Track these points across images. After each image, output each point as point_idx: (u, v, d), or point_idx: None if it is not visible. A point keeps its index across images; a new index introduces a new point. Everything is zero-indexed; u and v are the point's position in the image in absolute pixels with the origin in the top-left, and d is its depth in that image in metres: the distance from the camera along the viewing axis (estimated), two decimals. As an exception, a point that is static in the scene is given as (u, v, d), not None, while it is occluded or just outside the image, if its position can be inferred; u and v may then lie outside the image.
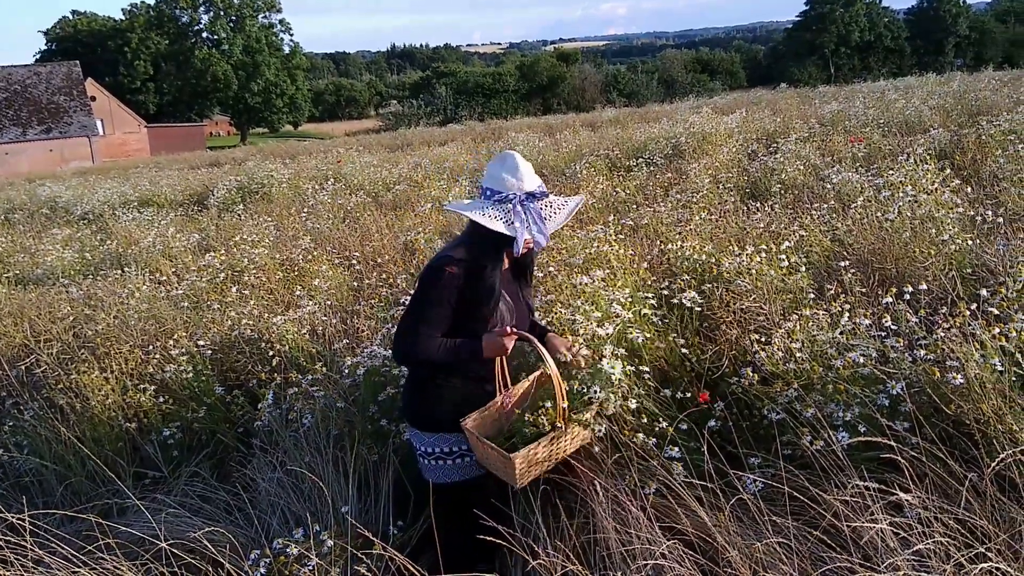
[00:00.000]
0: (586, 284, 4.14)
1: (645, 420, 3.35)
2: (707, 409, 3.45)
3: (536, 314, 3.68)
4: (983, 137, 8.53)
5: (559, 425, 2.93)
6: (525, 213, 2.99)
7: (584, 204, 3.49)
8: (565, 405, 2.92)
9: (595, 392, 3.01)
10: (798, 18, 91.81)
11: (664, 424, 3.27)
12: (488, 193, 3.05)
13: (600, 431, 3.10)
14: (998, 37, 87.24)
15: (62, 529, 3.68)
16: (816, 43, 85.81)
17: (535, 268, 3.47)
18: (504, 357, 3.10)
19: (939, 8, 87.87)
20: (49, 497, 4.48)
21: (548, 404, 3.00)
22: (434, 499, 3.32)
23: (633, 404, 3.22)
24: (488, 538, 2.80)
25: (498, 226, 2.96)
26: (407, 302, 3.20)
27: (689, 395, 3.56)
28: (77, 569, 2.77)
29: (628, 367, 3.50)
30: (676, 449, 3.15)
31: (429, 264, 3.13)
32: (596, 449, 3.22)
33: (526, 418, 3.02)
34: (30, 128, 53.89)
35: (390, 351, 3.76)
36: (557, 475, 3.43)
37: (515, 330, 3.02)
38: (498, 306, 3.11)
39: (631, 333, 3.71)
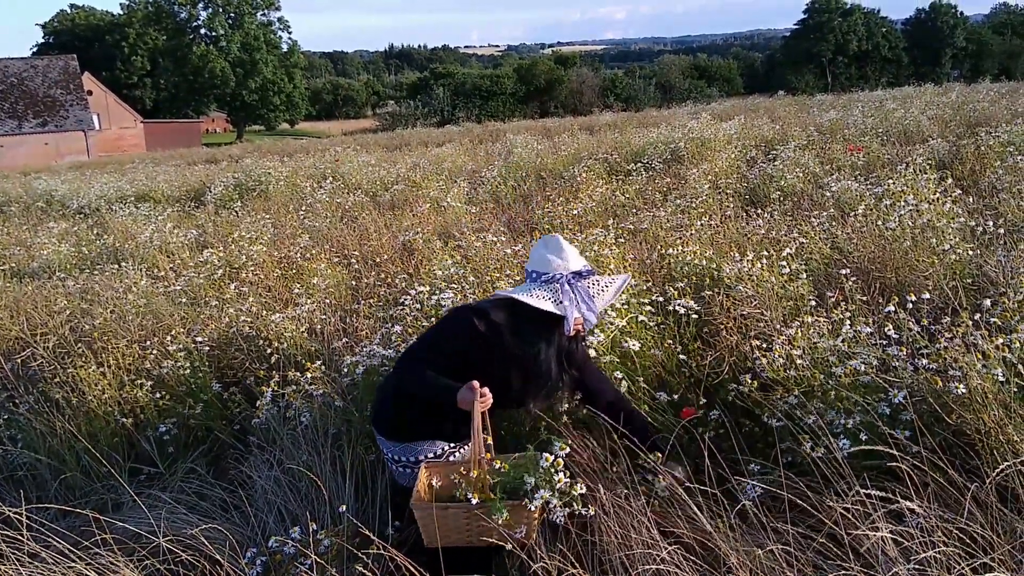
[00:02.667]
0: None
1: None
2: (703, 416, 3.45)
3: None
4: (982, 148, 8.56)
5: (471, 498, 2.80)
6: (574, 292, 3.01)
7: (629, 283, 3.46)
8: (475, 475, 2.83)
9: (529, 486, 2.81)
10: (796, 26, 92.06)
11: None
12: (534, 275, 3.08)
13: (521, 531, 2.83)
14: (995, 49, 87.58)
15: (57, 524, 3.66)
16: (814, 51, 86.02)
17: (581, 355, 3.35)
18: (486, 416, 2.98)
19: (936, 19, 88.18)
20: (43, 492, 4.45)
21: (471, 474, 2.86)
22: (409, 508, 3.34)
23: (582, 511, 2.88)
24: (487, 539, 2.79)
25: (547, 306, 2.98)
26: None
27: (682, 402, 3.56)
28: (73, 564, 2.75)
29: (618, 374, 3.50)
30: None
31: (466, 304, 3.25)
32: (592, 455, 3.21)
33: (456, 480, 2.91)
34: (26, 121, 53.74)
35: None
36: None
37: (485, 393, 2.89)
38: (541, 384, 3.13)
39: (625, 341, 3.70)
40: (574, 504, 2.83)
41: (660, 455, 3.12)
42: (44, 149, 51.19)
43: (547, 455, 2.87)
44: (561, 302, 3.00)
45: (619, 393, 3.50)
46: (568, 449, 3.14)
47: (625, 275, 3.26)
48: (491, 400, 2.92)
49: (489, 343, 3.06)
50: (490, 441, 3.00)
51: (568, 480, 2.82)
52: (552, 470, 2.82)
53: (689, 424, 3.34)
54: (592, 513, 2.87)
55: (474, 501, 2.78)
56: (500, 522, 2.74)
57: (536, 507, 2.76)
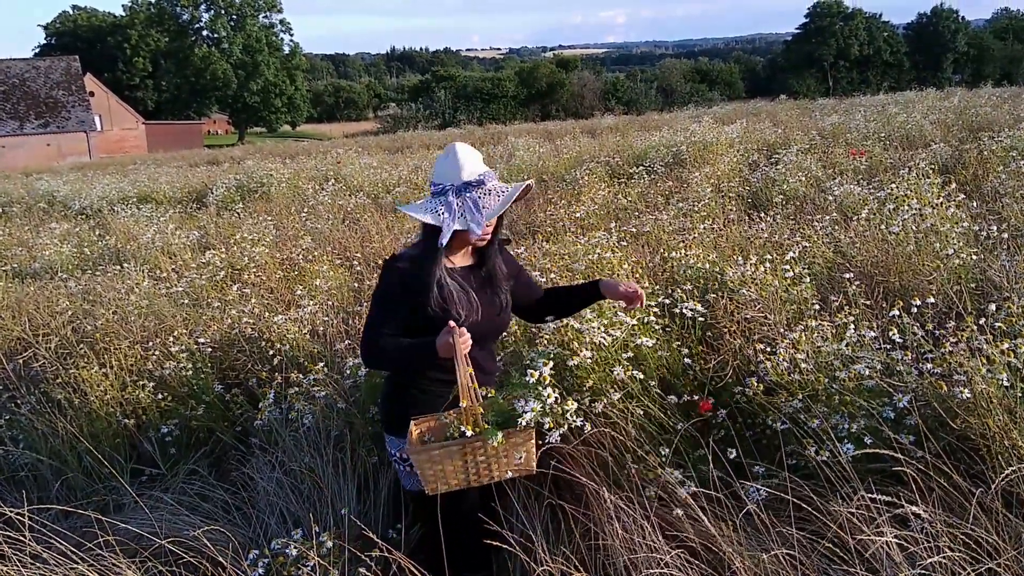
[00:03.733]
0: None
1: (649, 427, 3.34)
2: (710, 418, 3.45)
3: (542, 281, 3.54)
4: (984, 153, 8.56)
5: (466, 431, 2.70)
6: (459, 203, 2.90)
7: (532, 190, 3.31)
8: (465, 406, 2.71)
9: (524, 408, 2.70)
10: (798, 30, 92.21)
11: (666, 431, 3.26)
12: (433, 188, 3.00)
13: (519, 458, 2.76)
14: (996, 54, 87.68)
15: (59, 525, 3.65)
16: (815, 56, 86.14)
17: (512, 262, 3.29)
18: (467, 359, 2.82)
19: (938, 24, 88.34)
20: (45, 492, 4.45)
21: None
22: (414, 508, 3.31)
23: (578, 422, 2.89)
24: (488, 541, 2.78)
25: (426, 218, 2.91)
26: None
27: (695, 399, 3.55)
28: (75, 565, 2.75)
29: (633, 373, 3.50)
30: (673, 454, 3.13)
31: (385, 260, 3.11)
32: (597, 457, 3.21)
33: (446, 420, 2.83)
34: (28, 122, 53.78)
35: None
36: (556, 481, 3.42)
37: (463, 332, 2.76)
38: (443, 304, 2.95)
39: (638, 339, 3.70)
40: (568, 418, 2.78)
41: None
42: (46, 150, 51.22)
43: (532, 371, 2.80)
44: (440, 213, 2.90)
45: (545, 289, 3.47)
46: (551, 364, 2.98)
47: (525, 182, 3.08)
48: (470, 339, 2.78)
49: (421, 280, 2.94)
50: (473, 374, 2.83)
51: (557, 395, 2.75)
52: (539, 385, 2.73)
53: (693, 428, 3.33)
54: (589, 429, 2.82)
55: (468, 434, 2.69)
56: (495, 445, 2.64)
57: (528, 426, 2.67)
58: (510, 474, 2.78)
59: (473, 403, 2.71)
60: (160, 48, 76.44)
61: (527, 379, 2.77)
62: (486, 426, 2.69)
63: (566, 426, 2.83)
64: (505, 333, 3.80)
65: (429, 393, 3.06)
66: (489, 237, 3.04)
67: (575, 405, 2.80)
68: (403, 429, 3.03)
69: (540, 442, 2.86)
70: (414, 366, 3.03)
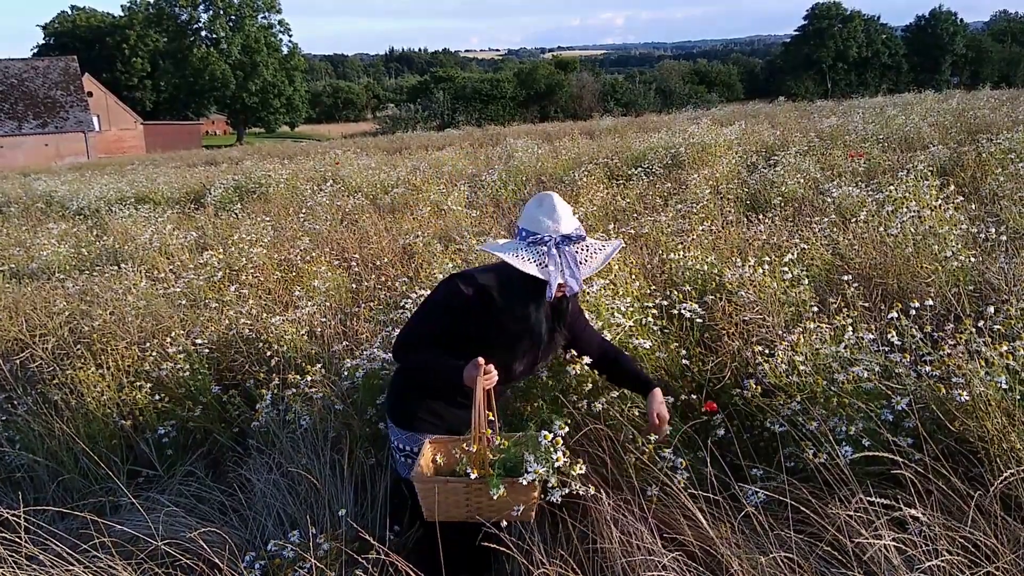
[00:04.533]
0: (587, 292, 4.12)
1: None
2: (708, 420, 3.44)
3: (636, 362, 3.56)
4: (983, 155, 8.56)
5: (471, 472, 2.76)
6: (560, 257, 2.92)
7: (622, 249, 3.37)
8: (475, 449, 2.78)
9: (528, 464, 2.74)
10: (796, 32, 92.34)
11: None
12: (524, 234, 2.97)
13: (518, 509, 2.78)
14: (994, 56, 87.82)
15: (55, 526, 3.64)
16: (814, 58, 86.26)
17: (572, 312, 3.32)
18: (491, 393, 2.92)
19: (936, 26, 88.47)
20: (41, 493, 4.44)
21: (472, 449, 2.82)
22: (411, 493, 3.31)
23: (582, 490, 2.84)
24: (485, 543, 2.77)
25: (531, 268, 2.90)
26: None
27: (693, 398, 3.55)
28: (71, 567, 2.74)
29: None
30: (675, 455, 3.13)
31: (452, 273, 3.15)
32: (595, 459, 3.20)
33: (459, 455, 2.88)
34: (26, 122, 53.76)
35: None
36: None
37: (490, 370, 2.85)
38: (519, 343, 3.08)
39: (636, 340, 3.69)
40: (572, 483, 2.79)
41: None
42: (44, 150, 51.21)
43: (546, 433, 2.83)
44: (546, 266, 2.91)
45: (608, 343, 3.50)
46: (567, 428, 3.09)
47: (617, 242, 3.15)
48: (496, 377, 2.87)
49: (479, 307, 3.01)
50: (493, 419, 2.91)
51: (567, 459, 2.77)
52: (551, 448, 2.77)
53: (691, 430, 3.33)
54: (592, 492, 2.85)
55: (473, 476, 2.75)
56: (496, 497, 2.70)
57: (531, 483, 2.71)
58: (505, 522, 2.81)
59: (484, 448, 2.78)
60: (158, 48, 76.38)
61: (540, 439, 2.81)
62: (491, 473, 2.76)
63: (568, 489, 2.83)
64: None
65: (443, 400, 3.18)
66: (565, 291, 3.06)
67: (582, 469, 2.81)
68: (408, 423, 3.19)
69: (543, 496, 2.88)
70: (436, 381, 3.14)
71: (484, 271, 3.13)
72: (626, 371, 3.38)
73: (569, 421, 3.25)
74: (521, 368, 3.18)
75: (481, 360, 2.83)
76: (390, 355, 4.22)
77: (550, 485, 2.77)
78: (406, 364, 3.21)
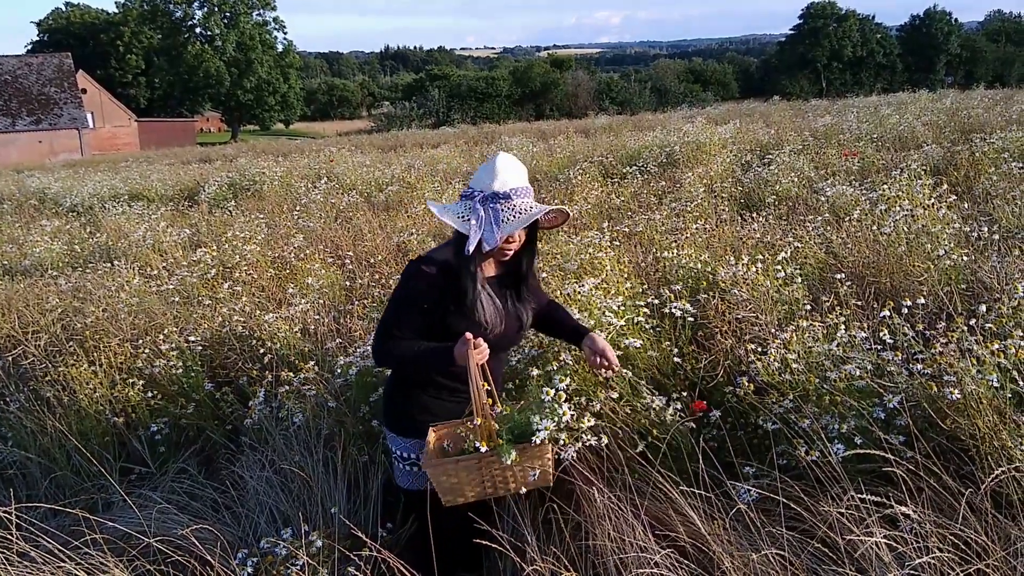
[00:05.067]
0: (578, 291, 4.12)
1: (643, 422, 3.34)
2: (701, 418, 3.44)
3: (571, 312, 3.54)
4: (976, 154, 8.58)
5: (480, 447, 2.71)
6: (485, 212, 2.89)
7: (569, 217, 3.29)
8: (479, 423, 2.74)
9: (536, 424, 2.72)
10: (791, 32, 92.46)
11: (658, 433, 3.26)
12: (463, 191, 3.00)
13: (534, 474, 2.77)
14: (989, 56, 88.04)
15: (47, 523, 3.63)
16: (809, 57, 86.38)
17: (532, 275, 3.25)
18: (485, 368, 2.88)
19: (931, 26, 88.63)
20: (33, 490, 4.43)
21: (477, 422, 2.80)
22: (406, 504, 3.31)
23: (593, 440, 2.93)
24: (478, 540, 2.77)
25: (448, 220, 2.93)
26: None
27: (685, 398, 3.55)
28: (63, 564, 2.73)
29: (622, 373, 3.49)
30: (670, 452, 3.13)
31: (411, 260, 3.05)
32: (588, 455, 3.20)
33: (464, 433, 2.84)
34: (19, 119, 53.62)
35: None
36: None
37: (479, 343, 2.80)
38: (476, 310, 2.96)
39: (627, 339, 3.70)
40: (583, 437, 2.78)
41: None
42: (38, 147, 51.07)
43: (547, 389, 2.82)
44: (467, 220, 2.90)
45: (551, 301, 3.45)
46: (568, 381, 3.05)
47: (550, 206, 3.05)
48: (487, 350, 2.82)
49: (444, 283, 2.94)
50: (491, 388, 2.85)
51: (573, 413, 2.76)
52: (555, 403, 2.76)
53: (683, 427, 3.33)
54: (605, 442, 2.83)
55: (483, 449, 2.71)
56: (510, 463, 2.66)
57: (543, 444, 2.68)
58: (525, 489, 2.79)
59: (488, 419, 2.73)
60: (153, 45, 76.22)
61: (542, 396, 2.78)
62: (500, 442, 2.71)
63: (580, 443, 2.82)
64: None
65: (437, 398, 3.08)
66: (511, 252, 3.02)
67: (591, 421, 2.80)
68: (408, 429, 3.07)
69: (557, 457, 2.86)
70: (425, 371, 3.04)
71: (441, 248, 3.09)
72: (562, 322, 3.34)
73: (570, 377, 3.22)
74: (501, 333, 3.06)
75: (469, 335, 2.78)
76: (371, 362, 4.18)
77: (561, 442, 2.75)
78: (389, 364, 3.12)
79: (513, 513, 3.24)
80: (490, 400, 2.79)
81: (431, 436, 2.94)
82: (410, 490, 3.19)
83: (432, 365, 2.97)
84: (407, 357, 2.97)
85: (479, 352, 2.79)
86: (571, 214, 3.25)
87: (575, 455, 3.03)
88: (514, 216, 2.91)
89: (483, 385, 2.74)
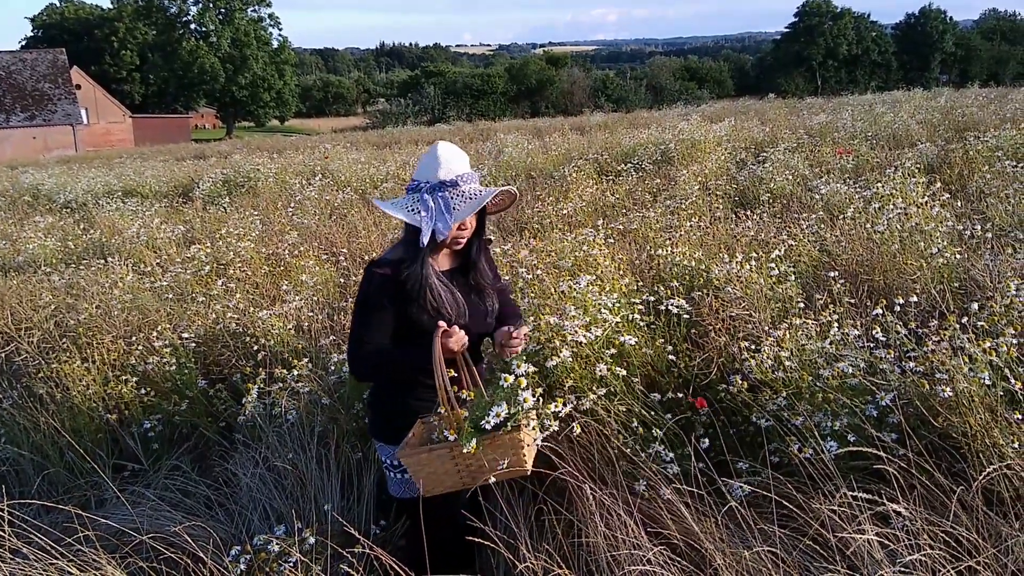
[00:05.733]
0: (574, 288, 4.12)
1: (633, 423, 3.34)
2: (693, 415, 3.45)
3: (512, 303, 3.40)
4: (970, 153, 8.60)
5: (449, 435, 2.67)
6: (434, 202, 2.85)
7: (516, 198, 3.21)
8: (443, 412, 2.69)
9: (498, 412, 2.67)
10: (787, 30, 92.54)
11: (653, 429, 3.26)
12: (409, 185, 2.95)
13: (502, 463, 2.70)
14: (983, 54, 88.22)
15: (40, 520, 3.63)
16: (804, 55, 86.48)
17: (485, 264, 3.17)
18: (464, 361, 2.90)
19: (926, 24, 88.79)
20: (25, 487, 4.42)
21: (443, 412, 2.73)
22: (399, 512, 3.29)
23: (556, 426, 2.82)
24: (471, 538, 2.77)
25: (399, 215, 2.87)
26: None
27: (680, 396, 3.55)
28: (55, 561, 2.73)
29: (618, 370, 3.50)
30: (665, 449, 3.13)
31: (365, 265, 2.99)
32: (580, 453, 3.20)
33: (435, 422, 2.81)
34: (13, 115, 53.46)
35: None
36: (539, 477, 3.42)
37: (453, 331, 2.80)
38: (427, 299, 2.89)
39: (622, 336, 3.70)
40: (549, 424, 2.75)
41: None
42: (31, 143, 50.94)
43: (506, 376, 2.76)
44: (416, 212, 2.86)
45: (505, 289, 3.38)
46: (527, 367, 2.93)
47: (502, 187, 3.02)
48: (465, 337, 2.81)
49: (404, 283, 2.88)
50: (457, 375, 2.85)
51: (537, 399, 2.72)
52: (514, 388, 2.70)
53: (676, 425, 3.34)
54: (577, 431, 2.86)
55: (451, 438, 2.67)
56: (470, 451, 2.61)
57: (507, 432, 2.63)
58: (498, 478, 2.73)
59: (454, 407, 2.68)
60: (148, 41, 76.04)
61: (501, 382, 2.74)
62: (470, 430, 2.67)
63: (550, 428, 2.80)
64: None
65: (422, 399, 2.99)
66: (465, 240, 2.98)
67: (555, 407, 2.77)
68: (394, 436, 2.97)
69: (537, 443, 2.83)
70: (407, 372, 2.96)
71: (394, 248, 3.04)
72: (502, 310, 3.23)
73: (534, 365, 3.19)
74: (467, 324, 2.98)
75: (443, 324, 2.77)
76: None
77: (530, 427, 2.69)
78: (366, 373, 3.05)
79: (505, 511, 3.24)
80: (464, 390, 2.79)
81: (418, 428, 2.90)
82: (403, 499, 3.13)
83: (412, 363, 2.90)
84: (383, 365, 2.93)
85: (457, 339, 2.78)
86: (518, 194, 3.19)
87: (561, 444, 3.03)
88: (464, 202, 2.87)
89: (449, 373, 2.71)
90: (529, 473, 2.77)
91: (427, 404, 2.96)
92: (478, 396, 2.79)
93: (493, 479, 2.71)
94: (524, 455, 2.69)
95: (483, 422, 2.63)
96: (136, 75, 77.15)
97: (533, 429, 2.71)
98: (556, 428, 2.80)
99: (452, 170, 2.90)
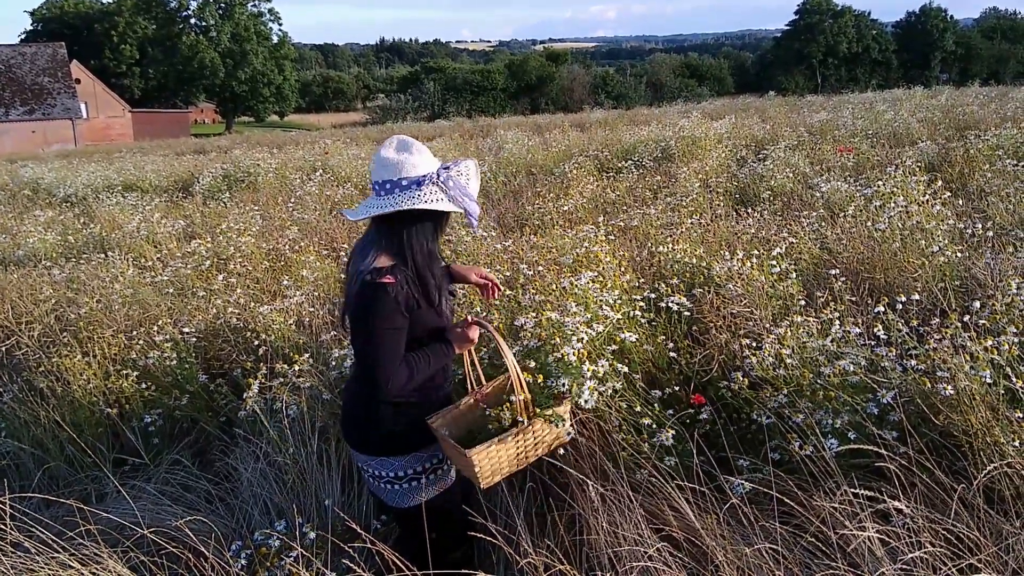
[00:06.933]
0: (575, 285, 4.12)
1: (634, 419, 3.34)
2: (695, 412, 3.45)
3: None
4: (971, 151, 8.60)
5: (521, 420, 2.73)
6: (454, 187, 2.73)
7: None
8: (522, 398, 2.74)
9: (563, 385, 2.89)
10: (787, 27, 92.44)
11: (653, 424, 3.27)
12: (402, 183, 2.70)
13: (570, 433, 2.88)
14: (984, 53, 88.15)
15: (41, 513, 3.63)
16: (804, 52, 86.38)
17: None
18: (471, 352, 2.97)
19: (926, 23, 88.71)
20: (26, 481, 4.42)
21: (513, 398, 2.78)
22: (401, 522, 3.14)
23: (611, 390, 3.17)
24: (471, 533, 2.78)
25: (446, 205, 2.70)
26: (353, 334, 2.78)
27: (678, 390, 3.56)
28: (57, 554, 2.73)
29: (617, 366, 3.50)
30: (669, 436, 3.15)
31: (360, 289, 2.71)
32: (582, 448, 3.21)
33: (488, 413, 2.83)
34: (13, 109, 53.35)
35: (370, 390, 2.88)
36: (541, 472, 3.42)
37: (478, 320, 2.87)
38: (443, 298, 2.87)
39: (623, 333, 3.70)
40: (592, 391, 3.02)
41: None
42: (31, 137, 50.85)
43: (564, 351, 3.03)
44: (454, 198, 2.72)
45: None
46: (579, 345, 3.25)
47: (470, 160, 2.88)
48: (477, 332, 2.91)
49: (410, 288, 2.74)
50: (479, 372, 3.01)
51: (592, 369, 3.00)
52: (579, 360, 3.00)
53: (677, 422, 3.34)
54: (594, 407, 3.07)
55: (525, 422, 2.75)
56: (561, 428, 2.79)
57: (587, 401, 2.93)
58: (549, 450, 2.91)
59: (525, 391, 2.77)
60: (148, 36, 75.83)
61: (570, 357, 3.01)
62: (537, 412, 2.79)
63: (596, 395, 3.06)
64: None
65: (407, 404, 2.89)
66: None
67: (604, 367, 3.11)
68: (401, 447, 2.90)
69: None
70: (432, 372, 2.88)
71: (377, 259, 2.77)
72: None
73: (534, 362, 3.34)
74: (449, 317, 2.98)
75: (471, 318, 2.90)
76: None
77: (583, 398, 2.93)
78: (406, 387, 2.77)
79: (506, 506, 3.25)
80: (473, 384, 2.97)
81: (436, 424, 2.88)
82: (407, 508, 3.01)
83: (439, 364, 2.86)
84: (418, 369, 2.78)
85: (472, 331, 2.87)
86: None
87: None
88: (468, 181, 2.79)
89: (508, 361, 2.76)
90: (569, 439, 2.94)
91: (422, 405, 2.92)
92: (516, 381, 2.81)
93: (542, 454, 2.85)
94: (568, 424, 2.87)
95: (580, 399, 2.96)
96: (136, 70, 76.96)
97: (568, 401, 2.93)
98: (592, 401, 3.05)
99: (431, 156, 2.81)
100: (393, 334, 2.71)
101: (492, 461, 2.74)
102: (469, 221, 2.79)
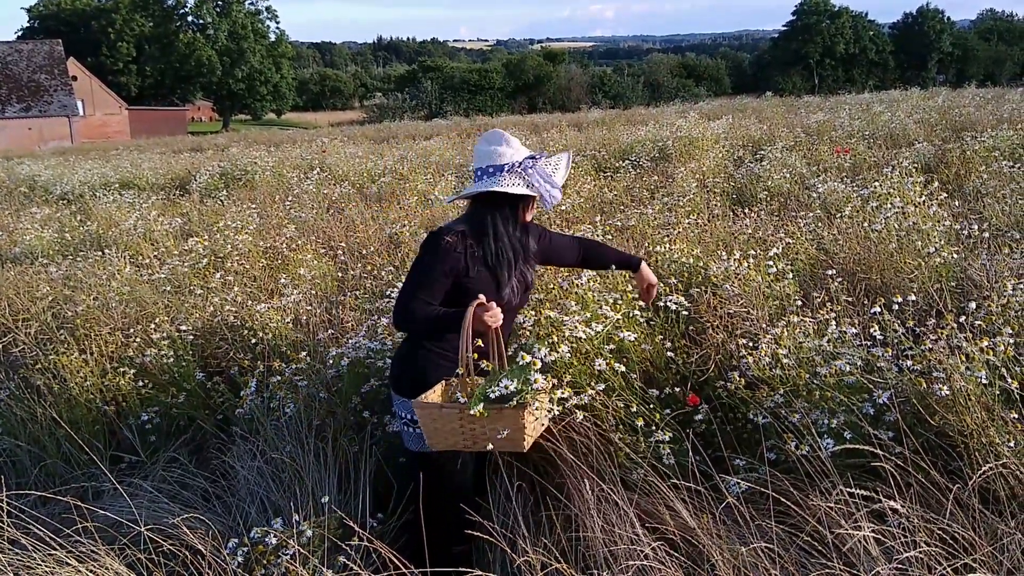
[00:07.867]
0: (575, 284, 4.13)
1: (631, 419, 3.35)
2: (692, 411, 3.46)
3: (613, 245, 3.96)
4: (967, 152, 8.62)
5: (461, 398, 2.93)
6: (537, 174, 3.09)
7: (574, 158, 3.58)
8: (461, 372, 2.97)
9: (506, 385, 2.84)
10: (784, 28, 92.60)
11: (645, 425, 3.27)
12: (490, 170, 3.13)
13: (501, 434, 2.87)
14: (980, 54, 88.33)
15: (38, 511, 3.63)
16: (801, 53, 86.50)
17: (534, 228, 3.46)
18: (498, 336, 3.08)
19: (923, 24, 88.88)
20: (23, 478, 4.42)
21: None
22: (413, 470, 3.31)
23: (558, 410, 3.01)
24: (470, 531, 2.79)
25: (520, 189, 3.06)
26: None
27: (677, 392, 3.57)
28: (54, 551, 2.73)
29: (617, 365, 3.51)
30: (666, 436, 3.16)
31: (429, 232, 3.22)
32: (579, 447, 3.22)
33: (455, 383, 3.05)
34: (9, 106, 53.30)
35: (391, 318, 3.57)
36: (538, 472, 3.43)
37: (491, 306, 3.00)
38: (510, 276, 3.17)
39: (622, 332, 3.71)
40: (553, 404, 2.92)
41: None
42: (27, 134, 50.76)
43: (523, 354, 2.95)
44: (532, 184, 3.09)
45: (579, 238, 3.80)
46: (545, 351, 3.25)
47: (566, 152, 3.37)
48: (500, 315, 3.01)
49: (463, 250, 3.10)
50: (484, 346, 3.05)
51: (547, 383, 2.88)
52: (528, 368, 2.86)
53: (673, 421, 3.35)
54: (580, 418, 3.07)
55: (463, 401, 2.86)
56: (478, 415, 2.78)
57: (513, 406, 2.80)
58: (495, 447, 2.89)
59: (470, 373, 2.92)
60: (144, 33, 75.73)
61: (519, 361, 2.91)
62: (479, 396, 2.84)
63: (556, 411, 2.96)
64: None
65: (443, 356, 3.17)
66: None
67: (569, 393, 2.99)
68: (415, 391, 3.13)
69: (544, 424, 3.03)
70: (442, 332, 3.15)
71: (458, 220, 3.26)
72: (608, 254, 3.78)
73: (553, 349, 3.37)
74: (510, 294, 3.22)
75: (482, 297, 2.98)
76: (376, 345, 4.23)
77: (535, 408, 2.85)
78: (409, 324, 3.20)
79: (504, 505, 3.26)
80: (487, 362, 3.01)
81: (440, 387, 3.13)
82: (418, 451, 3.25)
83: (449, 327, 3.06)
84: (429, 318, 3.09)
85: (493, 314, 2.97)
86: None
87: (559, 439, 3.18)
88: (553, 169, 3.19)
89: (477, 343, 2.92)
90: (525, 451, 2.95)
91: (453, 366, 3.13)
92: (496, 369, 3.00)
93: (491, 447, 2.88)
94: (523, 434, 2.85)
95: (489, 391, 2.82)
96: (133, 67, 76.82)
97: (538, 410, 2.87)
98: (558, 412, 2.97)
99: (523, 148, 3.18)
100: (424, 275, 3.12)
101: (433, 423, 2.92)
102: (543, 204, 3.15)
